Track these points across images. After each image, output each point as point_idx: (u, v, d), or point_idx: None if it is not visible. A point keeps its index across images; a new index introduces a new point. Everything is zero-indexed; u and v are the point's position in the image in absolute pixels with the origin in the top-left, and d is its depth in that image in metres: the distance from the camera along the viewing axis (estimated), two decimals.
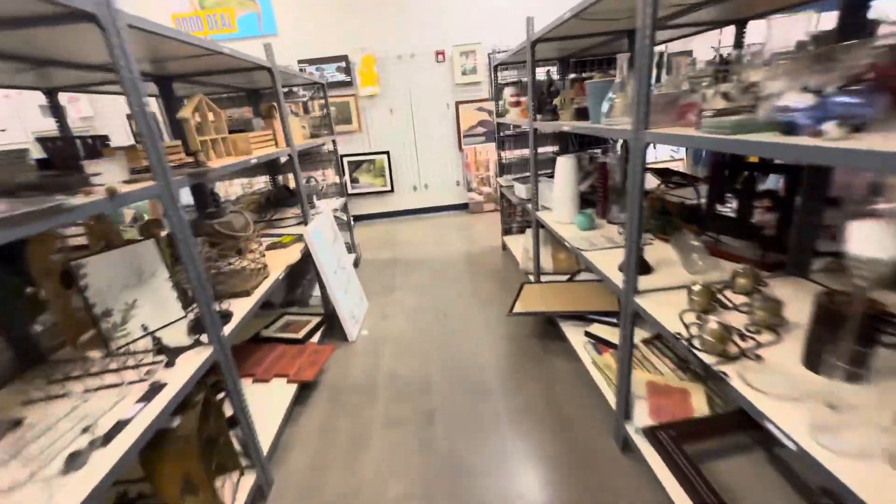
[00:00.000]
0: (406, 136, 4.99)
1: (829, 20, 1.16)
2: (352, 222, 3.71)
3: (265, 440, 1.61)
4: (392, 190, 5.16)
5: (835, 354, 0.84)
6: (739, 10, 1.63)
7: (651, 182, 2.41)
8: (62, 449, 0.90)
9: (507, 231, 3.77)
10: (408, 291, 3.09)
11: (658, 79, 1.89)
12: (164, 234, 1.49)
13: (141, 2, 3.98)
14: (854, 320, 0.79)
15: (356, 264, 3.66)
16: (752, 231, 1.51)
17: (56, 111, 1.83)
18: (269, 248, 2.21)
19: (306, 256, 2.28)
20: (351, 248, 3.68)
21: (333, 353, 2.32)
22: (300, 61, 4.62)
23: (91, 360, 1.23)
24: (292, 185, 3.66)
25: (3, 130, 4.46)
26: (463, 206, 5.30)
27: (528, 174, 3.31)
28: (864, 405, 0.80)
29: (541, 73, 3.48)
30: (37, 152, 1.31)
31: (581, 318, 2.15)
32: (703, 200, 1.87)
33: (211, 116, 1.72)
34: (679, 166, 4.95)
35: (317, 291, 2.69)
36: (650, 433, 1.37)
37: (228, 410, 1.46)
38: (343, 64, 4.66)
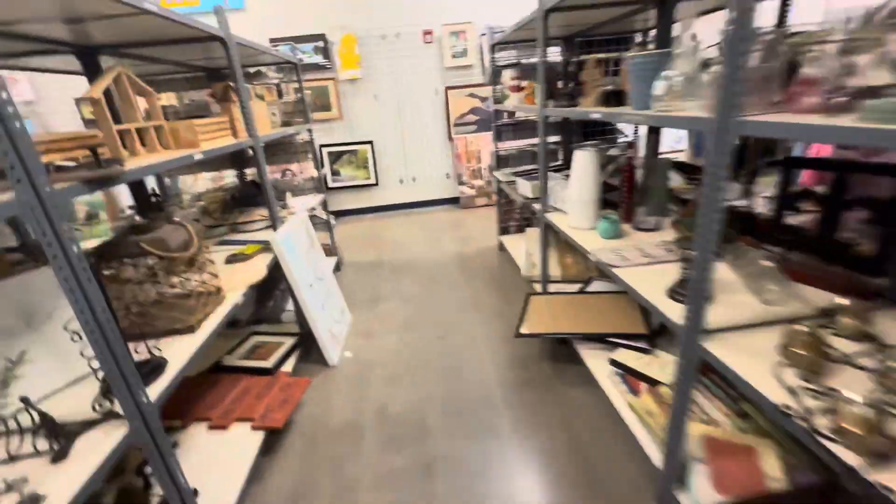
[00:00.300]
0: (391, 124, 4.58)
1: None
2: (332, 222, 3.33)
3: None
4: (376, 183, 4.76)
5: None
6: None
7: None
8: None
9: (504, 230, 3.44)
10: (397, 302, 2.73)
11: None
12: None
13: None
14: None
15: (337, 268, 3.29)
16: (838, 248, 1.20)
17: None
18: (230, 260, 1.83)
19: (278, 266, 1.91)
20: (331, 249, 3.30)
21: (312, 383, 1.96)
22: (272, 40, 4.15)
23: None
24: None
25: None
26: (453, 201, 4.94)
27: (530, 168, 2.97)
28: None
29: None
30: None
31: (601, 339, 1.84)
32: (755, 205, 1.56)
33: (142, 100, 1.32)
34: (681, 158, 4.68)
35: (291, 305, 2.32)
36: None
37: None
38: (321, 44, 4.21)
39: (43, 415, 0.86)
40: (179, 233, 1.24)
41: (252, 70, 2.80)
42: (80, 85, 1.61)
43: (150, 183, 3.45)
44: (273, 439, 1.64)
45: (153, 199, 1.95)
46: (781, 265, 1.19)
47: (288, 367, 1.97)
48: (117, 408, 0.92)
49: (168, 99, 2.98)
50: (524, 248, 2.93)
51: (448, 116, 4.59)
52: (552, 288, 2.39)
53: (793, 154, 1.74)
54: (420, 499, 1.38)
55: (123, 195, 3.69)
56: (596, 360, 1.77)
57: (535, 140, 3.34)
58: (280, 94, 3.22)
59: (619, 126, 3.40)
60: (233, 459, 1.48)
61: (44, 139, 0.87)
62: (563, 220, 1.98)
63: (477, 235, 3.84)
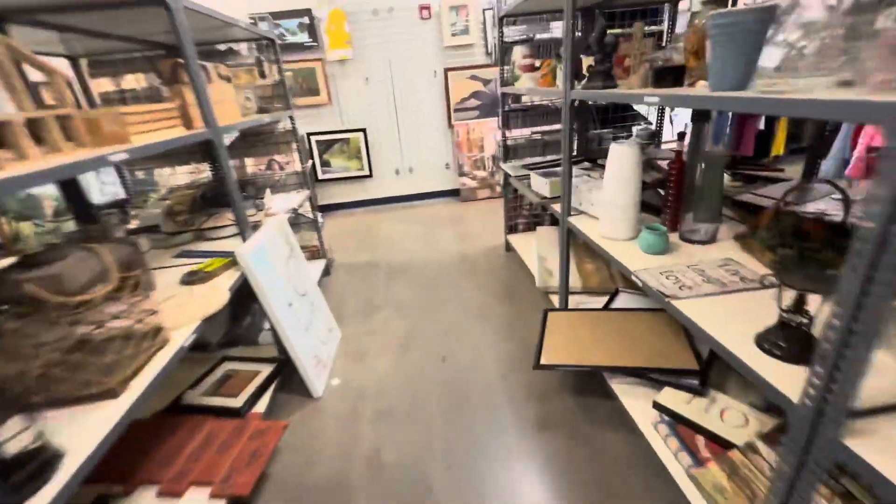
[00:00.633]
0: (385, 110, 4.20)
1: None
2: (320, 220, 2.98)
3: None
4: (370, 174, 4.39)
5: None
6: None
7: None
8: None
9: (511, 228, 3.10)
10: (392, 312, 2.41)
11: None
12: None
13: None
14: None
15: (327, 271, 2.96)
16: None
17: None
18: (187, 280, 1.49)
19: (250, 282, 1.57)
20: (320, 251, 2.96)
21: (292, 421, 1.65)
22: (251, 16, 3.74)
23: None
24: (244, 171, 2.89)
25: None
26: (453, 193, 4.59)
27: (544, 161, 2.62)
28: None
29: (556, 30, 2.75)
30: None
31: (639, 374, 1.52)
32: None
33: (48, 86, 0.97)
34: None
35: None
36: None
37: None
38: (306, 20, 3.80)
39: None
40: (88, 264, 0.90)
41: (222, 48, 2.42)
42: None
43: (109, 178, 3.08)
44: None
45: (92, 205, 1.60)
46: None
47: (262, 405, 1.65)
48: None
49: (138, 81, 2.61)
50: (535, 249, 2.60)
51: (448, 101, 4.21)
52: (572, 301, 2.07)
53: None
54: None
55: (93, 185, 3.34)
56: (634, 399, 1.46)
57: (550, 127, 2.98)
58: (263, 76, 2.84)
59: (638, 110, 3.05)
60: None
61: None
62: (591, 227, 1.65)
63: (480, 232, 3.51)
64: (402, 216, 4.15)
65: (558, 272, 2.27)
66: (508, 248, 3.07)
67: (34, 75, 1.10)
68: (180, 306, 1.30)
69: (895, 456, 0.64)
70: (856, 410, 0.67)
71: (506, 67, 2.65)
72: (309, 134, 4.17)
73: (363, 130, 4.21)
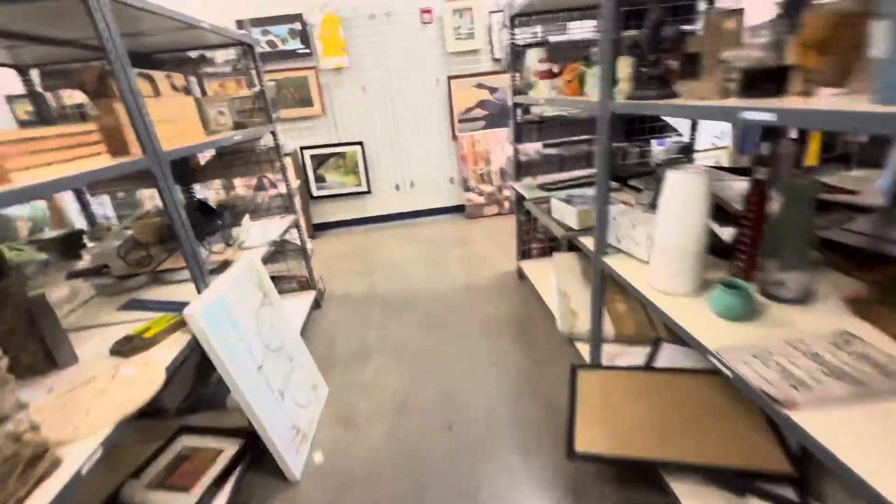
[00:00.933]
0: (384, 121, 3.89)
1: None
2: (309, 247, 2.65)
3: None
4: (368, 190, 4.07)
5: None
6: None
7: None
8: None
9: (524, 254, 2.76)
10: (389, 359, 2.06)
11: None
12: None
13: None
14: None
15: (317, 304, 2.62)
16: None
17: None
18: (118, 350, 1.15)
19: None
20: (309, 281, 2.63)
21: None
22: (238, 22, 3.45)
23: None
24: (218, 197, 2.57)
25: None
26: (458, 209, 4.26)
27: (562, 181, 2.28)
28: None
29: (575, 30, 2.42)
30: None
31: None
32: None
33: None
34: (722, 157, 3.99)
35: None
36: None
37: None
38: (297, 25, 3.50)
39: None
40: None
41: (193, 55, 2.11)
42: None
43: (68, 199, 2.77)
44: None
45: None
46: None
47: (223, 497, 1.30)
48: None
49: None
50: (554, 283, 2.25)
51: (451, 111, 3.89)
52: (603, 352, 1.72)
53: None
54: None
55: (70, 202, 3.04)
56: None
57: (575, 138, 2.64)
58: (251, 86, 2.53)
59: (668, 121, 2.72)
60: None
61: None
62: (635, 271, 1.30)
63: (489, 255, 3.16)
64: (403, 235, 3.82)
65: (582, 309, 1.93)
66: (521, 275, 2.72)
67: None
68: (95, 397, 0.96)
69: None
70: None
71: (517, 74, 2.32)
72: (302, 148, 3.87)
73: (360, 143, 3.90)
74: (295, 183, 3.71)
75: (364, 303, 2.66)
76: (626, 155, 2.59)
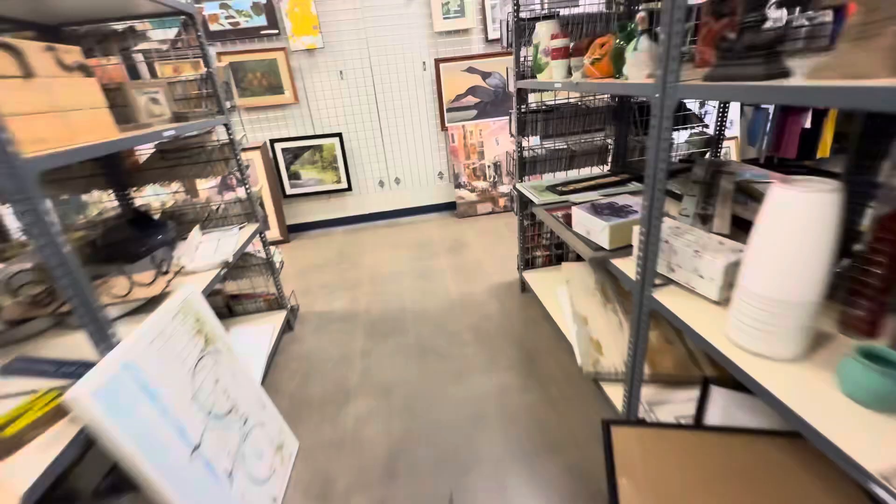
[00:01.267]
0: (365, 110, 3.47)
1: None
2: (277, 260, 2.26)
3: None
4: (349, 187, 3.67)
5: None
6: None
7: None
8: None
9: (528, 263, 2.42)
10: (373, 402, 1.71)
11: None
12: None
13: None
14: None
15: (289, 326, 2.24)
16: None
17: None
18: None
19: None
20: (278, 300, 2.24)
21: None
22: None
23: None
24: (171, 202, 2.15)
25: None
26: (449, 207, 3.89)
27: (577, 181, 1.93)
28: None
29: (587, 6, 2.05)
30: None
31: None
32: None
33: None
34: (732, 147, 3.70)
35: None
36: None
37: None
38: (263, 0, 3.05)
39: None
40: None
41: (119, 27, 1.68)
42: None
43: None
44: None
45: None
46: None
47: None
48: None
49: None
50: (566, 305, 1.92)
51: (440, 98, 3.50)
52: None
53: None
54: None
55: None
56: None
57: (579, 133, 2.28)
58: (207, 65, 2.09)
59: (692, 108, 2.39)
60: None
61: None
62: (702, 316, 0.97)
63: (485, 260, 2.81)
64: (389, 238, 3.44)
65: (603, 334, 1.60)
66: (524, 287, 2.39)
67: None
68: None
69: None
70: None
71: (523, 53, 1.95)
72: (273, 141, 3.43)
73: (339, 135, 3.48)
74: (258, 186, 3.28)
75: (344, 323, 2.29)
76: (644, 150, 2.26)
